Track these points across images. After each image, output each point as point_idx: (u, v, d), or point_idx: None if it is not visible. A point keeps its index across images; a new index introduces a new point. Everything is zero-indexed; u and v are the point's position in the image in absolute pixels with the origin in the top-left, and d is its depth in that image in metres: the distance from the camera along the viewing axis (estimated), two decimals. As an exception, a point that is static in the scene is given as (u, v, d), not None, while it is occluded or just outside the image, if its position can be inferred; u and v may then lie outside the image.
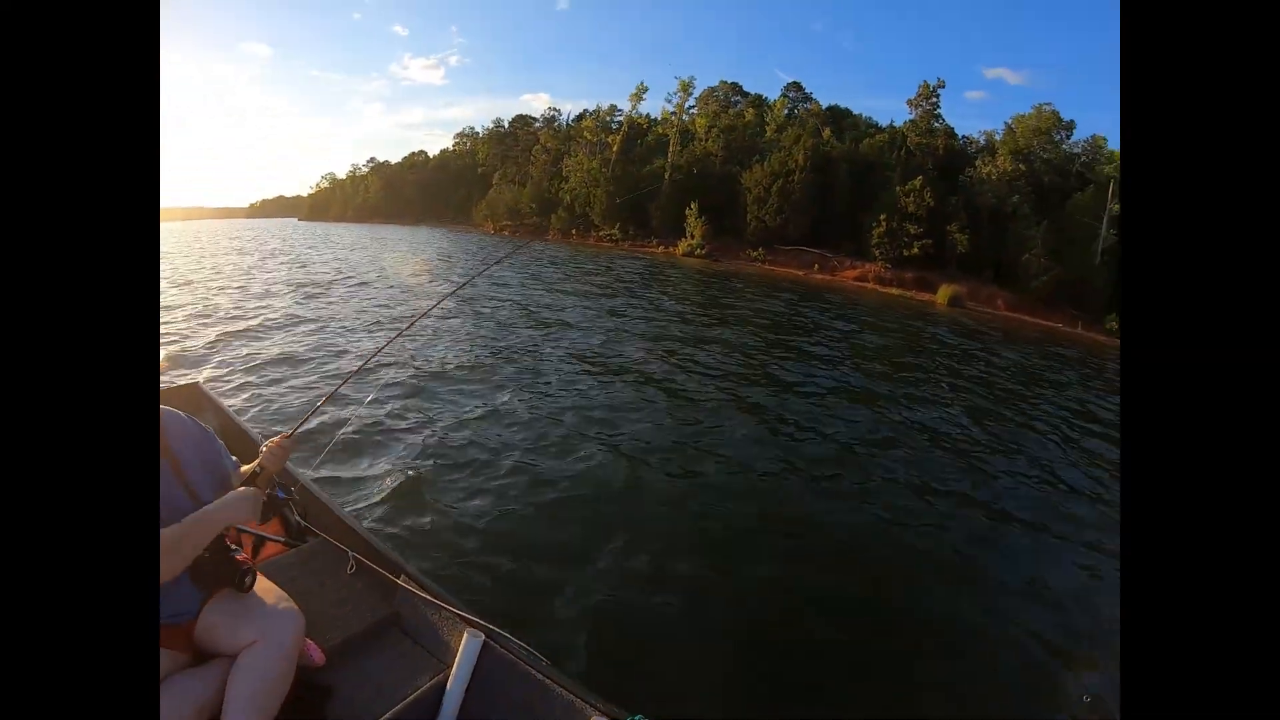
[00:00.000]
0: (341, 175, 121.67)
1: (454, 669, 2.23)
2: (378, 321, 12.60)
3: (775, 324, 15.53)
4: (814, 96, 55.41)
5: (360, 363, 3.88)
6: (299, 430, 2.45)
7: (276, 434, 2.33)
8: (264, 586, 2.12)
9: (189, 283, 17.19)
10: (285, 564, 2.75)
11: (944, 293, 29.64)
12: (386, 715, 2.07)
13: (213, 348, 9.64)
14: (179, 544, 1.83)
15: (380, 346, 3.44)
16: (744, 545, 4.78)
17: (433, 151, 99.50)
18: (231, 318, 12.23)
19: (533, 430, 6.76)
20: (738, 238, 40.29)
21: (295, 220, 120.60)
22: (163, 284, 14.71)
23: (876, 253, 35.44)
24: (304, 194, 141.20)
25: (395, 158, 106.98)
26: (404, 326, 3.89)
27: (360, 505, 4.82)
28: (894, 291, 30.89)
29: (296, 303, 14.44)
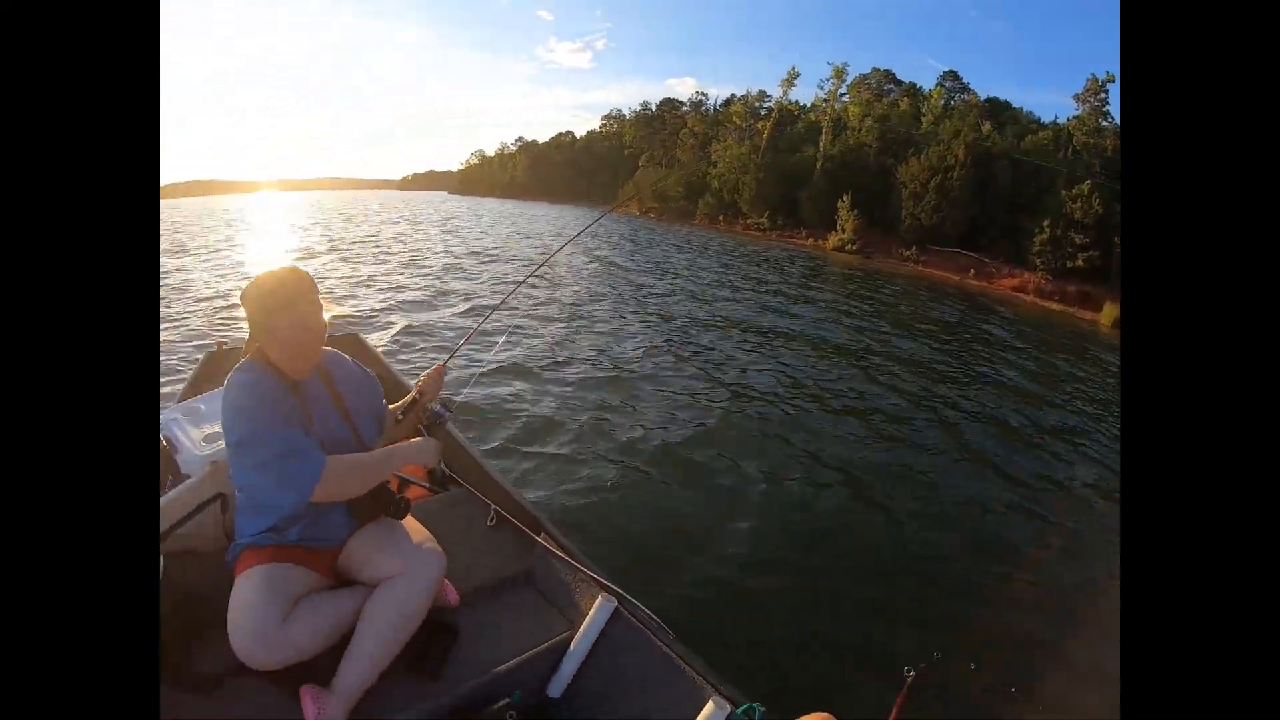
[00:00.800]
0: (490, 153, 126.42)
1: (581, 630, 2.24)
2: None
3: (955, 336, 14.97)
4: (971, 87, 52.78)
5: (502, 296, 4.20)
6: (451, 359, 2.67)
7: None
8: (411, 525, 2.20)
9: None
10: (428, 508, 2.81)
11: (1109, 313, 27.05)
12: (508, 664, 2.12)
13: (376, 308, 10.99)
14: (368, 472, 1.99)
15: (522, 280, 3.68)
16: (924, 569, 4.51)
17: (579, 133, 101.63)
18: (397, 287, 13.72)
19: (695, 413, 6.94)
20: (888, 234, 39.16)
21: (445, 194, 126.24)
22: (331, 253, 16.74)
23: (1037, 261, 33.06)
24: (454, 169, 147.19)
25: (542, 138, 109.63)
26: (540, 263, 4.02)
27: (500, 456, 5.18)
28: (1054, 306, 28.89)
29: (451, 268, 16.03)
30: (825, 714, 1.11)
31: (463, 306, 11.54)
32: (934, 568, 4.54)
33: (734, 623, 3.59)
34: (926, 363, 11.00)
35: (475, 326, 3.17)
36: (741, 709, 1.84)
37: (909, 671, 1.59)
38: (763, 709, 1.83)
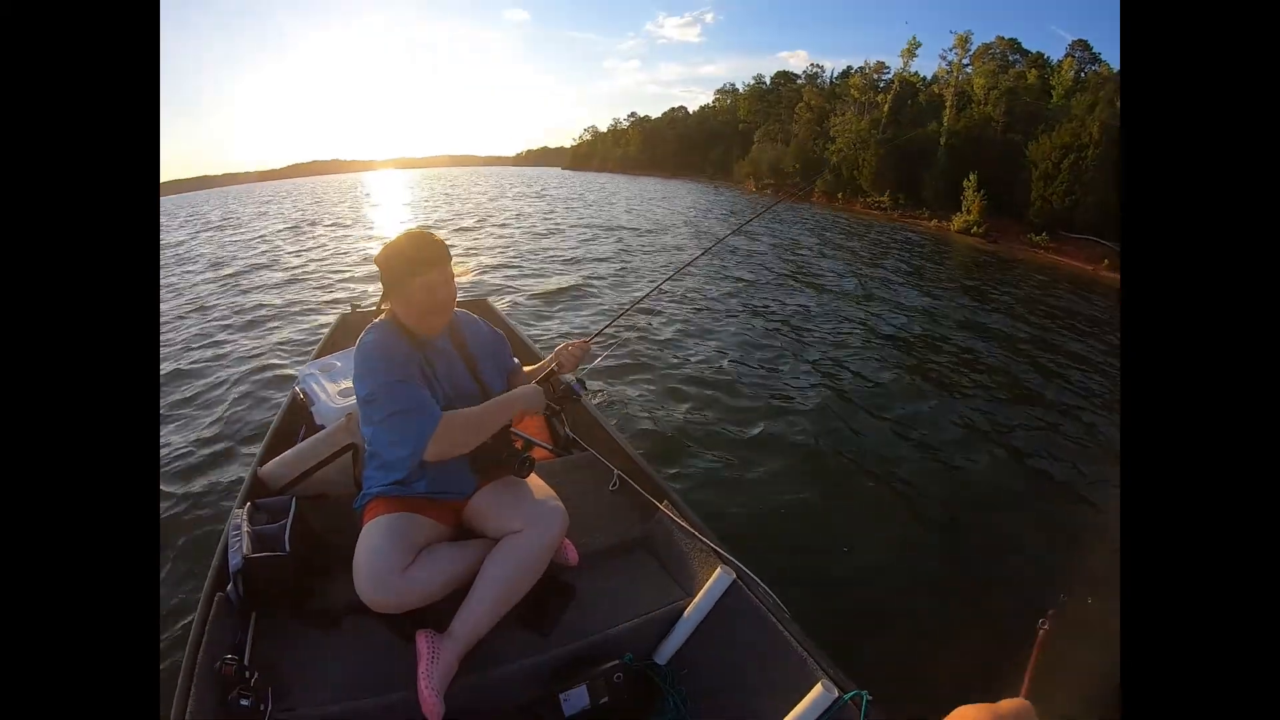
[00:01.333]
0: (603, 129, 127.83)
1: (696, 599, 2.23)
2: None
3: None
4: (1103, 58, 48.94)
5: (653, 286, 3.92)
6: (595, 338, 2.61)
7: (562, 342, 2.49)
8: (535, 483, 2.24)
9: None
10: (551, 469, 2.88)
11: None
12: (619, 626, 2.15)
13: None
14: (478, 424, 2.02)
15: (681, 267, 3.75)
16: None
17: (692, 108, 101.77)
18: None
19: (821, 401, 7.01)
20: (1016, 217, 37.15)
21: (559, 169, 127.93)
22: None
23: None
24: (566, 145, 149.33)
25: (654, 114, 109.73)
26: (698, 254, 4.00)
27: (627, 424, 5.33)
28: None
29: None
30: (1024, 701, 1.03)
31: (609, 287, 12.22)
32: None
33: (854, 610, 3.60)
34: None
35: (626, 306, 3.14)
36: (849, 695, 1.80)
37: (1042, 623, 1.52)
38: (869, 697, 1.80)
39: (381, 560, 1.88)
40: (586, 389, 2.43)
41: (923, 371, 8.70)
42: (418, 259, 1.98)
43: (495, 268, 12.98)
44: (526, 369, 2.50)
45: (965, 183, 38.78)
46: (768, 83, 79.97)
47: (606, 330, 3.05)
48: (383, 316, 2.08)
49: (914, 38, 51.52)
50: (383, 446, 2.05)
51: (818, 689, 1.81)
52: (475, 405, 2.09)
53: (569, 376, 2.37)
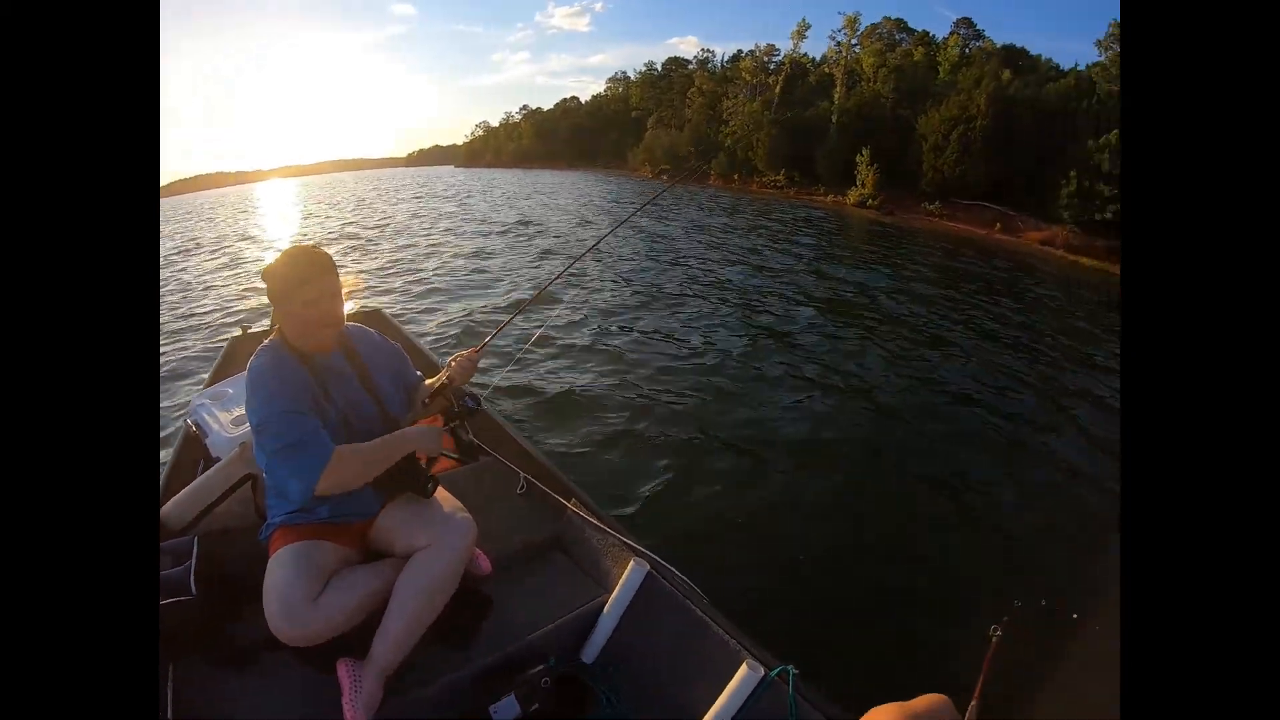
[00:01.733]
0: (495, 123, 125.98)
1: (614, 594, 2.25)
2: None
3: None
4: (986, 34, 51.39)
5: (538, 289, 4.28)
6: (485, 346, 2.56)
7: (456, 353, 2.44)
8: (441, 495, 2.20)
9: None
10: (457, 478, 2.83)
11: None
12: (542, 629, 2.15)
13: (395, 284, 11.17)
14: (372, 461, 1.97)
15: (561, 271, 3.59)
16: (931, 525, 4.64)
17: (584, 98, 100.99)
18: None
19: (718, 379, 7.04)
20: (910, 188, 38.21)
21: (452, 168, 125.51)
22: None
23: (1065, 214, 31.68)
24: (459, 142, 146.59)
25: (545, 105, 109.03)
26: (582, 253, 3.93)
27: (535, 426, 5.26)
28: (1086, 261, 28.19)
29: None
30: (942, 696, 1.12)
31: (498, 289, 11.40)
32: (986, 533, 4.62)
33: (768, 587, 3.63)
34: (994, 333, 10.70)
35: (509, 318, 3.08)
36: (775, 671, 1.87)
37: (994, 630, 1.60)
38: (796, 671, 1.85)
39: (290, 592, 1.82)
40: (481, 403, 2.39)
41: (833, 344, 8.94)
42: (299, 273, 1.94)
43: (384, 275, 12.45)
44: (428, 382, 2.43)
45: (858, 158, 39.41)
46: (659, 69, 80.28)
47: (496, 335, 2.91)
48: (272, 337, 2.02)
49: (804, 20, 52.06)
50: (277, 476, 1.94)
51: (743, 669, 1.87)
52: (374, 423, 2.12)
53: (464, 393, 2.35)
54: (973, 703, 1.45)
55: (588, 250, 3.98)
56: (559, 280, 3.65)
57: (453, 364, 2.37)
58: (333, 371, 2.10)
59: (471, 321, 9.13)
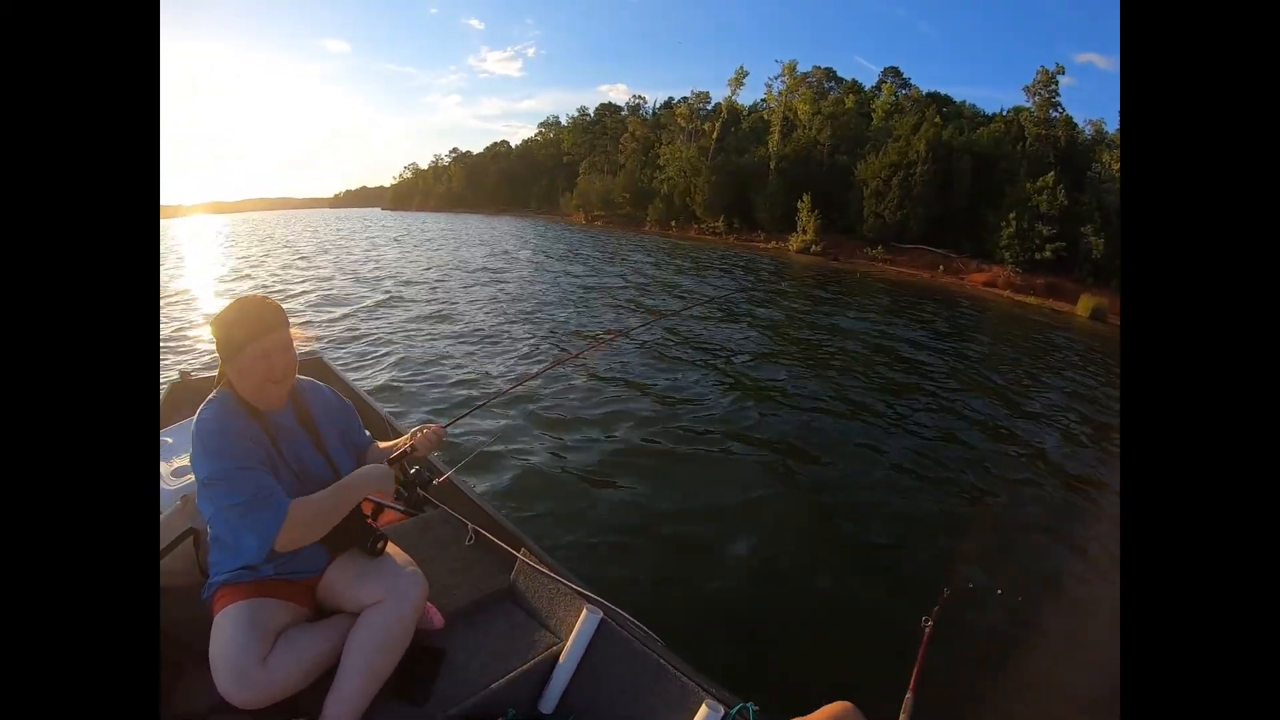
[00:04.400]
0: (424, 165, 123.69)
1: (568, 643, 2.22)
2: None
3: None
4: (913, 82, 53.60)
5: (519, 382, 4.71)
6: (454, 424, 2.56)
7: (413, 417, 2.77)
8: (389, 549, 2.14)
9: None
10: (405, 531, 2.78)
11: (1085, 304, 26.98)
12: (499, 682, 2.10)
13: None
14: (329, 510, 1.91)
15: (549, 365, 3.80)
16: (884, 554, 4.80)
17: (515, 142, 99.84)
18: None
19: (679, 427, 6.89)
20: (850, 234, 38.57)
21: (379, 210, 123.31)
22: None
23: (1006, 255, 32.93)
24: (386, 184, 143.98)
25: (476, 148, 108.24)
26: (585, 346, 4.15)
27: (483, 478, 5.14)
28: (1031, 300, 28.80)
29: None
30: (846, 703, 1.08)
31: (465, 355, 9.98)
32: (919, 553, 4.74)
33: (721, 625, 3.62)
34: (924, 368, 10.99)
35: (492, 395, 3.47)
36: (735, 709, 1.87)
37: (925, 620, 1.66)
38: (756, 707, 1.87)
39: (239, 653, 1.76)
40: (436, 482, 2.39)
41: (794, 381, 9.22)
42: (250, 326, 1.88)
43: (339, 333, 10.97)
44: (383, 445, 2.38)
45: (800, 204, 39.49)
46: (592, 115, 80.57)
47: (468, 416, 3.22)
48: (220, 388, 1.96)
49: (741, 67, 52.83)
50: (225, 531, 1.89)
51: (703, 710, 1.87)
52: (323, 482, 2.01)
53: (423, 464, 2.39)
54: (908, 695, 1.45)
55: (576, 355, 4.24)
56: (544, 372, 3.80)
57: (418, 434, 2.31)
58: (284, 428, 2.03)
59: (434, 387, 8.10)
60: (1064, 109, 39.31)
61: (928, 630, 1.61)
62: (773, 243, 41.29)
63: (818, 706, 1.60)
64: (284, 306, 2.00)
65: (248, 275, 19.18)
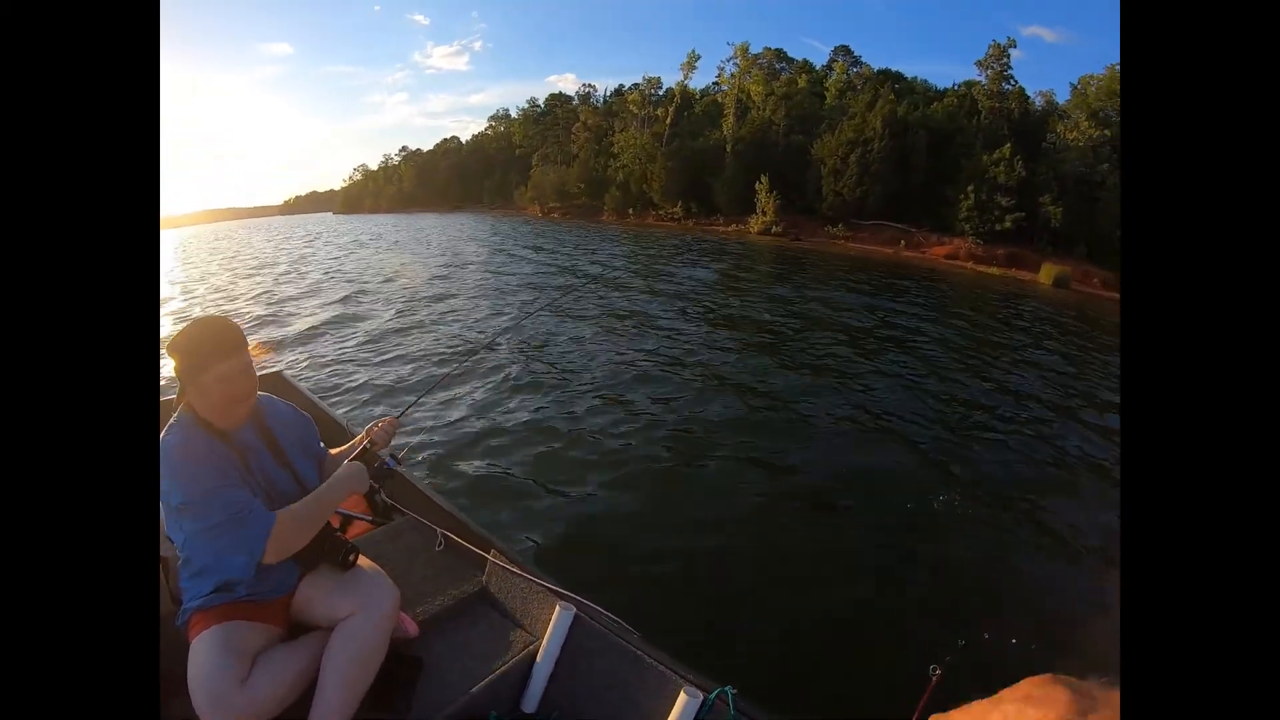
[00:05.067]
0: (374, 166, 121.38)
1: (544, 642, 2.23)
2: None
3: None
4: (864, 60, 53.40)
5: (462, 362, 4.57)
6: (405, 413, 2.61)
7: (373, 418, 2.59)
8: (359, 560, 2.12)
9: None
10: (373, 541, 2.75)
11: (1048, 272, 27.33)
12: (478, 685, 2.10)
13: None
14: (314, 515, 1.93)
15: (487, 341, 3.85)
16: (845, 530, 4.85)
17: (465, 137, 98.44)
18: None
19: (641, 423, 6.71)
20: (809, 213, 38.40)
21: (330, 214, 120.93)
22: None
23: (966, 227, 33.11)
24: (336, 188, 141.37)
25: (425, 147, 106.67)
26: (517, 319, 4.32)
27: (449, 484, 5.07)
28: (993, 271, 28.82)
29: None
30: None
31: (414, 350, 9.56)
32: (883, 535, 4.68)
33: (694, 613, 3.61)
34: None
35: (436, 381, 3.45)
36: (714, 694, 1.89)
37: (934, 670, 1.63)
38: (734, 690, 1.89)
39: (217, 677, 1.74)
40: (401, 462, 2.35)
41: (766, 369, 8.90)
42: (210, 349, 1.87)
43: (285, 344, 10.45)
44: (334, 452, 2.37)
45: (758, 185, 39.13)
46: (542, 106, 79.46)
47: (415, 405, 3.05)
48: (180, 412, 1.93)
49: (693, 51, 52.27)
50: (203, 555, 1.86)
51: (682, 697, 1.90)
52: (291, 497, 2.01)
53: (384, 454, 2.30)
54: None
55: (510, 328, 4.23)
56: (484, 349, 3.84)
57: (374, 429, 2.29)
58: (248, 447, 2.00)
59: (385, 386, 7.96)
60: (1016, 82, 39.61)
61: (935, 678, 1.57)
62: (732, 226, 40.98)
63: (800, 690, 1.72)
64: (241, 324, 1.98)
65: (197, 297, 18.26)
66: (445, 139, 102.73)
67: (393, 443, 2.44)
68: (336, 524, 2.16)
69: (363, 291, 15.30)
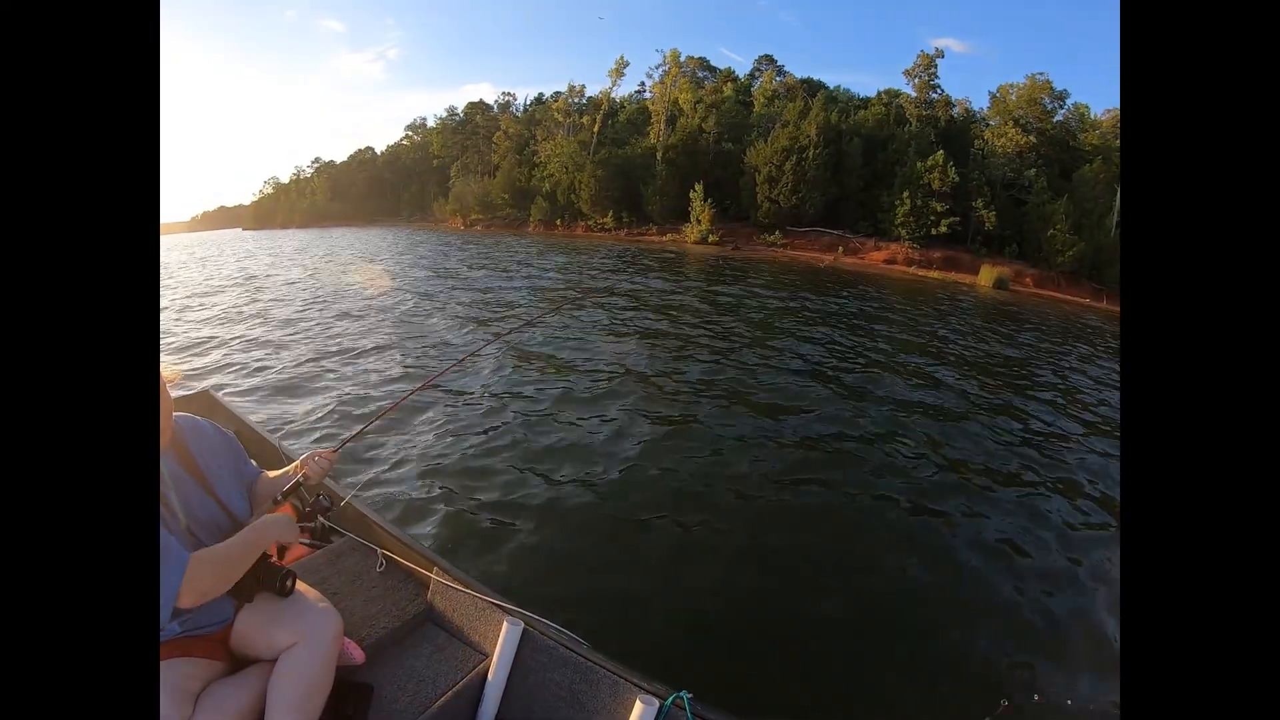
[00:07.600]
0: (285, 180, 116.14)
1: (494, 658, 2.16)
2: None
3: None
4: (788, 69, 53.46)
5: (411, 388, 4.24)
6: (343, 448, 2.42)
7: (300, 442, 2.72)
8: (299, 586, 2.03)
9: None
10: (313, 565, 2.63)
11: (987, 274, 27.79)
12: (431, 709, 2.03)
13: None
14: (233, 562, 1.80)
15: (439, 372, 4.59)
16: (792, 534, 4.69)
17: (380, 148, 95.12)
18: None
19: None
20: (744, 221, 38.05)
21: (240, 230, 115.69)
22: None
23: (902, 232, 33.63)
24: (246, 202, 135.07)
25: (340, 157, 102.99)
26: (461, 357, 4.60)
27: (389, 506, 4.89)
28: (933, 275, 28.90)
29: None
30: None
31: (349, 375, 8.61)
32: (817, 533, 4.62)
33: (642, 620, 3.56)
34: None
35: (369, 423, 3.06)
36: (670, 700, 1.87)
37: (1004, 703, 1.62)
38: (690, 695, 1.87)
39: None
40: (338, 505, 2.38)
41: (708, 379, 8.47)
42: None
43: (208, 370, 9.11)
44: (271, 475, 2.19)
45: (692, 194, 38.44)
46: (461, 114, 77.48)
47: (357, 438, 2.85)
48: None
49: (621, 57, 52.25)
50: None
51: (638, 705, 1.88)
52: (219, 528, 1.92)
53: (320, 494, 2.21)
54: None
55: (458, 362, 4.45)
56: (421, 390, 3.18)
57: (309, 461, 2.14)
58: (170, 475, 1.87)
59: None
60: (944, 91, 40.37)
61: (1002, 708, 1.49)
62: (668, 235, 40.10)
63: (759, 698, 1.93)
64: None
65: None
66: (360, 149, 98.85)
67: (326, 480, 2.31)
68: (273, 550, 2.05)
69: (294, 317, 13.73)
